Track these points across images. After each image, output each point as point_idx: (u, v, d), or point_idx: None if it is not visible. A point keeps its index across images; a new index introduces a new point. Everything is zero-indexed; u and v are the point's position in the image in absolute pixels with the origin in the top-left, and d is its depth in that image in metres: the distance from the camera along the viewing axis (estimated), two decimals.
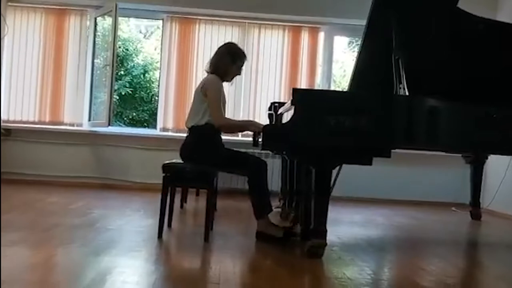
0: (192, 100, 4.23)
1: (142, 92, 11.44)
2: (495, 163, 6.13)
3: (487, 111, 3.75)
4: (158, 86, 7.39)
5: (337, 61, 10.82)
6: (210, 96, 3.99)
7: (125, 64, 11.37)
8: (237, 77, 4.40)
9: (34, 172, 6.68)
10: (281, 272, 3.15)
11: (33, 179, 6.60)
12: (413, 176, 6.94)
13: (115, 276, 2.75)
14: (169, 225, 4.19)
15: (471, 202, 5.88)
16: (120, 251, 3.32)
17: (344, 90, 6.77)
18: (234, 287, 2.72)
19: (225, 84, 4.22)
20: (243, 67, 4.33)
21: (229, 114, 6.02)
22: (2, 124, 6.47)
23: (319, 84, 7.21)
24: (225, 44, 4.34)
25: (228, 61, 4.15)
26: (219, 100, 4.02)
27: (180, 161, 4.06)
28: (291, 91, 3.49)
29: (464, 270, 3.69)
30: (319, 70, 7.25)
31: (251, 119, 6.77)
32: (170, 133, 6.95)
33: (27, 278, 2.64)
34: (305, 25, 7.10)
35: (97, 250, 3.26)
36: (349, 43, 11.19)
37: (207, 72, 4.21)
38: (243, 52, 4.28)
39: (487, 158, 5.88)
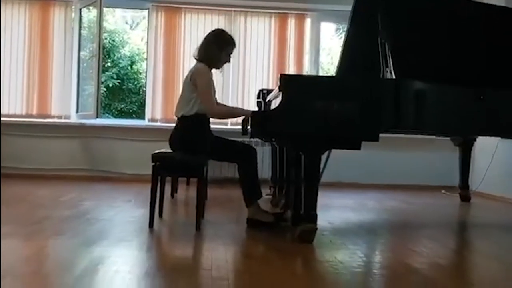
0: (180, 90, 4.21)
1: (130, 84, 11.39)
2: (483, 146, 6.17)
3: (475, 93, 3.77)
4: (146, 77, 7.36)
5: (325, 48, 10.81)
6: (200, 85, 3.95)
7: (112, 56, 11.31)
8: (225, 65, 4.37)
9: (23, 166, 6.63)
10: (272, 257, 3.17)
11: (22, 173, 6.55)
12: (403, 160, 6.98)
13: (107, 266, 2.75)
14: (160, 215, 4.19)
15: (460, 184, 5.93)
16: (112, 241, 3.32)
17: (332, 75, 6.78)
18: (226, 273, 2.73)
19: (213, 72, 4.20)
20: (232, 54, 4.26)
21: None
22: None
23: (307, 71, 7.20)
24: (213, 31, 4.27)
25: (216, 49, 4.09)
26: (211, 90, 4.01)
27: (170, 150, 4.05)
28: (279, 77, 3.49)
29: (455, 251, 3.73)
30: (306, 57, 7.24)
31: (239, 107, 6.77)
32: (158, 124, 6.93)
33: (19, 270, 2.63)
34: (292, 11, 7.08)
35: (89, 241, 3.26)
36: (336, 30, 11.18)
37: (196, 58, 4.16)
38: (232, 39, 4.20)
39: (475, 140, 5.93)
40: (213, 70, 4.16)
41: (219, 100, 4.37)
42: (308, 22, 7.19)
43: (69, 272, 2.64)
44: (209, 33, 4.22)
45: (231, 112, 4.50)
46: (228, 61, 4.23)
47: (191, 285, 2.53)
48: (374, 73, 3.74)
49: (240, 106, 6.80)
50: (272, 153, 5.71)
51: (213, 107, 4.02)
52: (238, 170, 3.95)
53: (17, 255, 2.93)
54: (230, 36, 4.23)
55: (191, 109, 4.00)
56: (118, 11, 11.44)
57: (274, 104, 4.17)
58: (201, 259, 3.12)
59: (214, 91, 4.18)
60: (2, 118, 6.70)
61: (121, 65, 11.28)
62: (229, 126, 6.72)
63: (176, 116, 4.12)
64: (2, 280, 2.36)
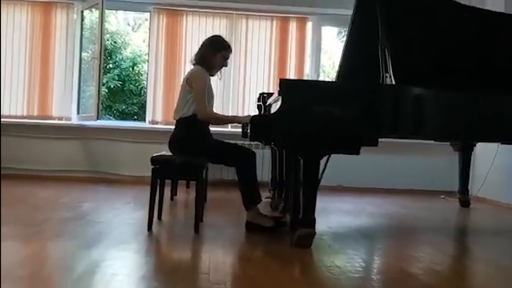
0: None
1: (131, 85, 11.41)
2: (483, 150, 6.17)
3: (473, 99, 3.77)
4: (147, 78, 7.37)
5: (326, 52, 10.83)
6: (195, 88, 4.00)
7: (114, 57, 11.33)
8: (225, 68, 4.40)
9: (23, 167, 6.64)
10: (270, 261, 3.17)
11: (22, 173, 6.55)
12: (402, 165, 6.97)
13: (105, 269, 2.76)
14: (159, 217, 4.20)
15: (460, 189, 5.92)
16: (110, 244, 3.33)
17: (332, 80, 6.77)
18: (223, 276, 2.74)
19: (213, 78, 4.24)
20: (229, 59, 4.31)
21: (218, 106, 6.04)
22: None
23: (307, 74, 7.21)
24: (209, 37, 4.36)
25: (211, 52, 4.15)
26: (204, 92, 4.02)
27: (169, 153, 4.06)
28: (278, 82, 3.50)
29: (453, 257, 3.73)
30: (307, 61, 7.25)
31: (240, 110, 6.82)
32: (159, 126, 6.93)
33: (18, 272, 2.64)
34: (293, 15, 7.09)
35: (87, 243, 3.27)
36: (338, 34, 11.19)
37: (193, 64, 4.22)
38: (228, 44, 4.27)
39: (475, 145, 5.93)
40: (213, 78, 4.21)
41: (219, 105, 4.40)
42: (309, 26, 7.19)
43: (67, 275, 2.66)
44: (206, 39, 4.32)
45: (224, 119, 4.57)
46: (225, 65, 4.29)
47: None
48: (374, 78, 3.75)
49: (240, 109, 6.85)
50: (272, 156, 5.72)
51: (205, 108, 4.03)
52: (237, 174, 3.95)
53: (16, 257, 2.93)
54: (225, 41, 4.30)
55: (187, 110, 4.04)
56: (120, 13, 11.47)
57: (274, 108, 4.18)
58: (199, 263, 3.12)
59: (212, 97, 4.21)
60: (2, 119, 6.71)
61: (122, 67, 11.30)
62: (229, 129, 6.72)
63: (174, 119, 4.15)
64: (2, 284, 2.36)
